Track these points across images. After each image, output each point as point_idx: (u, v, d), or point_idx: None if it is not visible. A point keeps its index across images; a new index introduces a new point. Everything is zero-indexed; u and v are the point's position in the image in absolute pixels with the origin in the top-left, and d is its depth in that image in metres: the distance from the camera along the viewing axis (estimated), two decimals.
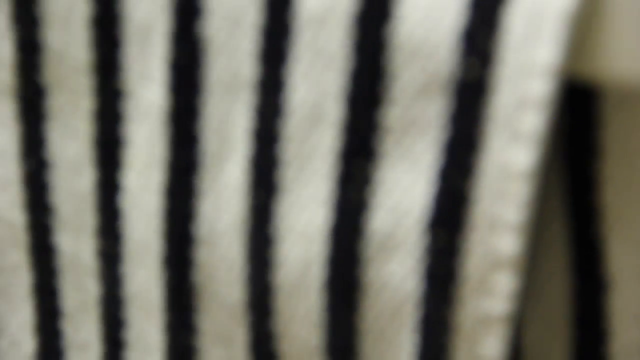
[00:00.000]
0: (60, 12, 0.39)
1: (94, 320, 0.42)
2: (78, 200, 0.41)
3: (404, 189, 0.34)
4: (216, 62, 0.36)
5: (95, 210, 0.40)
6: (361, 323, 0.36)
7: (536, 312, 0.36)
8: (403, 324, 0.35)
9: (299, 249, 0.36)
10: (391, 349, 0.36)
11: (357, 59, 0.33)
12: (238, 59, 0.35)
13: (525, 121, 0.31)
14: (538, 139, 0.31)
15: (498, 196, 0.32)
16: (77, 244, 0.41)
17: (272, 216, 0.36)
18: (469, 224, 0.33)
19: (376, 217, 0.35)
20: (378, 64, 0.33)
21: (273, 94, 0.35)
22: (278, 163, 0.36)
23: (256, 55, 0.35)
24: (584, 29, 0.31)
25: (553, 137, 0.34)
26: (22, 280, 0.43)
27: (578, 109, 0.33)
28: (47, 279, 0.43)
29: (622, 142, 0.34)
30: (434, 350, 0.35)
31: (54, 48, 0.39)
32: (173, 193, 0.38)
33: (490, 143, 0.32)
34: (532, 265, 0.36)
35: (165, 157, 0.38)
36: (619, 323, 0.35)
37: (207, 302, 0.38)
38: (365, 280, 0.35)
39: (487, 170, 0.32)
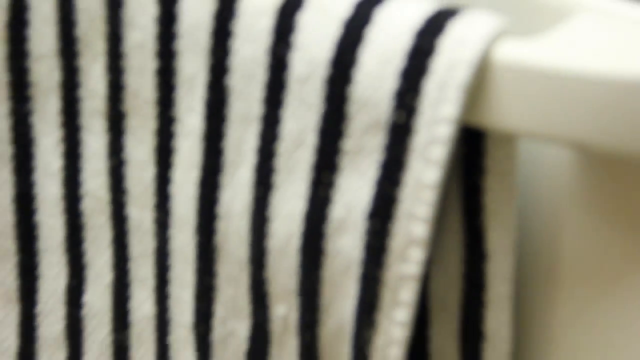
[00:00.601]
0: (137, 64, 0.39)
1: (150, 264, 0.42)
2: (143, 187, 0.41)
3: (354, 191, 0.35)
4: (236, 102, 0.36)
5: (154, 194, 0.41)
6: (322, 276, 0.36)
7: (439, 272, 0.36)
8: (350, 278, 0.35)
9: (284, 226, 0.36)
10: (341, 294, 0.36)
11: (327, 106, 0.34)
12: (250, 101, 0.36)
13: (434, 152, 0.32)
14: (442, 163, 0.32)
15: (415, 199, 0.33)
16: (141, 215, 0.41)
17: (268, 204, 0.37)
18: (395, 216, 0.33)
19: (335, 208, 0.35)
20: (341, 110, 0.34)
21: (272, 125, 0.36)
22: (273, 170, 0.36)
23: (262, 99, 0.36)
24: (473, 95, 0.31)
25: (453, 161, 0.34)
26: (104, 235, 0.43)
27: (470, 143, 0.34)
28: (121, 235, 0.42)
29: (498, 164, 0.34)
30: (369, 295, 0.35)
31: (133, 88, 0.39)
32: (204, 185, 0.38)
33: (411, 165, 0.33)
34: (437, 242, 0.36)
35: (200, 162, 0.38)
36: (492, 280, 0.35)
37: (223, 257, 0.39)
38: (326, 248, 0.36)
39: (408, 182, 0.33)
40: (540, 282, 0.37)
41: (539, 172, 0.36)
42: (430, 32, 0.31)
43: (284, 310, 0.38)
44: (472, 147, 0.34)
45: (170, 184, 0.40)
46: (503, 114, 0.31)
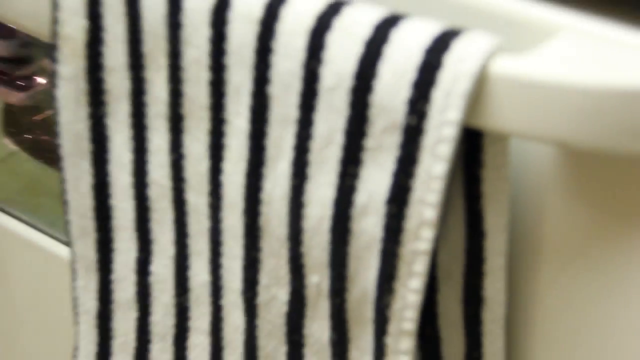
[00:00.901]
0: (193, 76, 0.38)
1: (205, 240, 0.41)
2: (199, 177, 0.40)
3: (375, 181, 0.34)
4: (276, 107, 0.36)
5: (208, 183, 0.40)
6: (349, 251, 0.36)
7: (446, 248, 0.36)
8: (372, 253, 0.35)
9: (317, 210, 0.36)
10: (365, 266, 0.36)
11: (352, 111, 0.34)
12: (288, 106, 0.36)
13: (441, 149, 0.32)
14: (448, 158, 0.32)
15: (425, 188, 0.33)
16: (197, 200, 0.41)
17: (303, 192, 0.36)
18: (410, 202, 0.33)
19: (359, 195, 0.35)
20: (363, 114, 0.33)
21: (306, 126, 0.35)
22: (307, 164, 0.36)
23: (297, 105, 0.35)
24: (473, 102, 0.31)
25: (456, 156, 0.33)
26: (167, 216, 0.43)
27: (470, 141, 0.34)
28: (181, 216, 0.42)
29: (494, 158, 0.33)
30: (388, 268, 0.35)
31: (190, 95, 0.39)
32: (250, 175, 0.38)
33: (422, 160, 0.32)
34: (444, 223, 0.35)
35: (247, 156, 0.38)
36: (490, 254, 0.35)
37: (266, 235, 0.38)
38: (352, 228, 0.35)
39: (420, 174, 0.33)
40: (528, 255, 0.37)
41: (528, 165, 0.36)
42: (437, 49, 0.31)
43: (317, 279, 0.38)
44: (472, 144, 0.34)
45: (222, 174, 0.39)
46: (498, 117, 0.31)
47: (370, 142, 0.34)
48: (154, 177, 0.42)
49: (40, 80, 0.60)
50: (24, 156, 0.64)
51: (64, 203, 0.44)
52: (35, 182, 0.65)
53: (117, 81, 0.40)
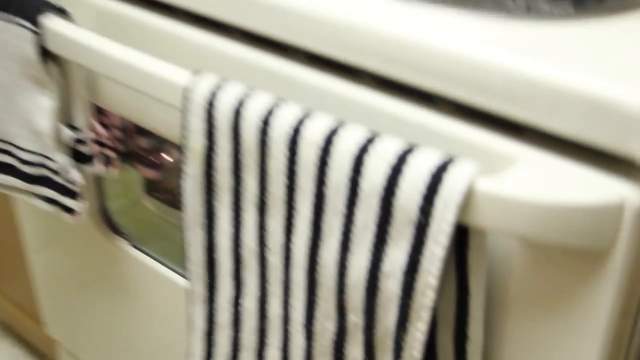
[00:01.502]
0: (274, 179, 0.36)
1: (279, 286, 0.39)
2: (276, 245, 0.38)
3: (396, 257, 0.33)
4: (329, 203, 0.35)
5: (282, 249, 0.38)
6: (377, 302, 0.34)
7: (442, 300, 0.35)
8: (393, 304, 0.34)
9: (356, 273, 0.35)
10: (388, 312, 0.34)
11: (381, 210, 0.33)
12: (338, 203, 0.35)
13: (441, 238, 0.31)
14: (446, 244, 0.31)
15: (430, 263, 0.32)
16: (274, 259, 0.39)
17: (346, 260, 0.35)
18: (419, 272, 0.32)
19: (385, 265, 0.33)
20: (389, 212, 0.33)
21: (350, 217, 0.34)
22: (350, 242, 0.35)
23: (344, 203, 0.34)
24: (463, 208, 0.30)
25: (451, 242, 0.33)
26: (253, 269, 0.41)
27: (460, 231, 0.33)
28: (263, 270, 0.40)
29: (476, 244, 0.32)
30: (404, 314, 0.33)
31: (271, 191, 0.37)
32: (311, 247, 0.37)
33: (428, 244, 0.32)
34: (442, 284, 0.34)
35: (309, 233, 0.37)
36: (473, 305, 0.34)
37: (321, 286, 0.37)
38: (380, 287, 0.34)
39: (426, 254, 0.32)
40: (499, 307, 0.36)
41: (499, 248, 0.35)
42: (439, 171, 0.31)
43: (355, 318, 0.37)
44: (461, 234, 0.33)
45: (292, 244, 0.38)
46: (479, 218, 0.31)
47: (393, 231, 0.33)
48: (246, 243, 0.41)
49: (168, 158, 0.59)
50: (150, 207, 0.63)
51: (186, 256, 0.44)
52: (160, 227, 0.64)
53: (223, 178, 0.40)
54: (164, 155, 0.59)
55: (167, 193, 0.61)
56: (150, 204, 0.61)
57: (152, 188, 0.61)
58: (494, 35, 0.34)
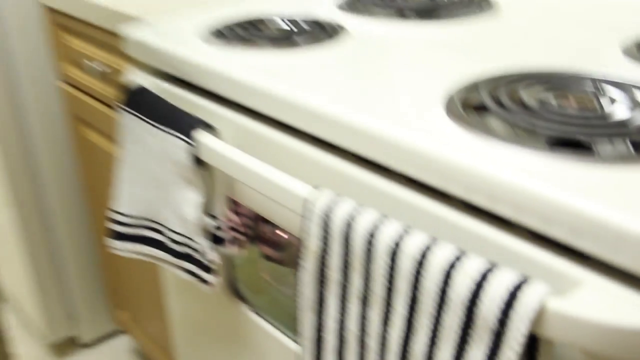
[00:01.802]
0: (376, 280, 0.39)
1: (376, 354, 0.41)
2: (374, 332, 0.40)
3: (476, 357, 0.35)
4: (421, 305, 0.37)
5: (379, 337, 0.40)
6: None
7: None
8: None
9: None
10: None
11: (466, 317, 0.35)
12: (428, 306, 0.37)
13: (515, 345, 0.33)
14: (519, 350, 0.33)
15: (508, 355, 0.33)
16: (372, 344, 0.41)
17: (434, 354, 0.37)
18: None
19: (469, 358, 0.35)
20: (472, 320, 0.35)
21: (438, 319, 0.37)
22: (437, 339, 0.36)
23: (433, 306, 0.36)
24: (535, 321, 0.32)
25: (525, 346, 0.34)
26: (354, 350, 0.42)
27: (531, 339, 0.34)
28: (363, 351, 0.42)
29: (545, 351, 0.33)
30: None
31: (373, 289, 0.39)
32: (404, 338, 0.39)
33: (504, 350, 0.33)
34: None
35: (403, 327, 0.39)
36: None
37: None
38: None
39: (501, 358, 0.33)
40: None
41: (566, 356, 0.36)
42: (515, 289, 0.33)
43: None
44: (532, 341, 0.35)
45: (387, 334, 0.41)
46: (548, 331, 0.33)
47: (474, 334, 0.36)
48: (349, 327, 0.44)
49: (284, 235, 0.61)
50: (268, 279, 0.63)
51: (299, 333, 0.47)
52: (275, 296, 0.64)
53: (333, 274, 0.44)
54: (281, 233, 0.61)
55: (280, 263, 0.62)
56: (267, 276, 0.64)
57: (269, 258, 0.63)
58: (563, 175, 0.36)
